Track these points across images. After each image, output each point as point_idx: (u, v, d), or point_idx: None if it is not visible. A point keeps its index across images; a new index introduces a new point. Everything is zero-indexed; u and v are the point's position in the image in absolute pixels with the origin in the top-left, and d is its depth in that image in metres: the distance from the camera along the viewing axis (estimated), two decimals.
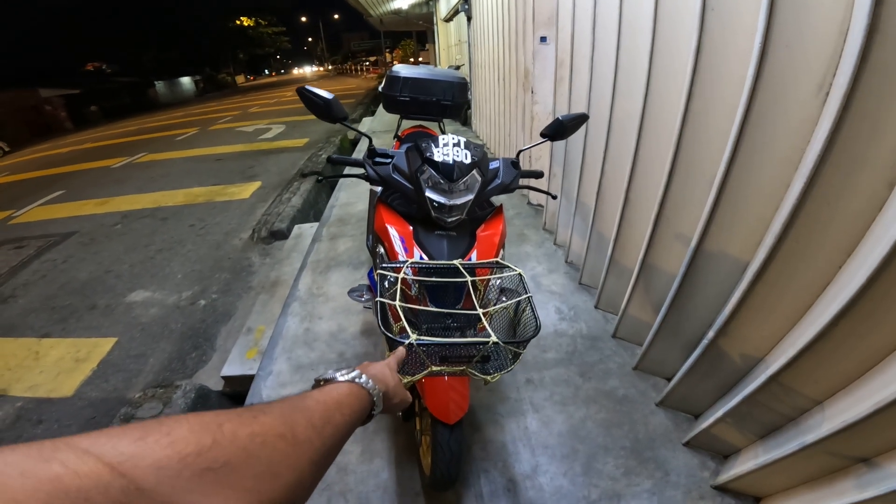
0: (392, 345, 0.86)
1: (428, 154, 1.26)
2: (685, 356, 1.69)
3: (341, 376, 0.55)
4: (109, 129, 16.81)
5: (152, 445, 0.29)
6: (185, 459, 0.29)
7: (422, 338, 0.85)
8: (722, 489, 1.51)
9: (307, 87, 1.33)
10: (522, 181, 1.55)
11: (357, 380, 0.56)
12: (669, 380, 1.83)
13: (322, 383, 0.55)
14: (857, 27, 0.98)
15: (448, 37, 10.59)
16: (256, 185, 5.86)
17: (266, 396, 2.10)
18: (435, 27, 12.47)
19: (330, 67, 60.16)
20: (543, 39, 3.34)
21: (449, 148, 1.27)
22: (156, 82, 31.51)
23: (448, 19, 9.66)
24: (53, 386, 2.56)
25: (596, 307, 2.50)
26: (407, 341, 0.84)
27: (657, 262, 1.92)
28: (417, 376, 0.90)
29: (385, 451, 1.77)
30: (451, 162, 1.24)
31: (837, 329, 1.12)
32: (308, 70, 74.47)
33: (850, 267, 1.14)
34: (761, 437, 1.46)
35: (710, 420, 1.54)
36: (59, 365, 2.74)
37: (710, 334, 1.54)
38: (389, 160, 1.39)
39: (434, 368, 0.89)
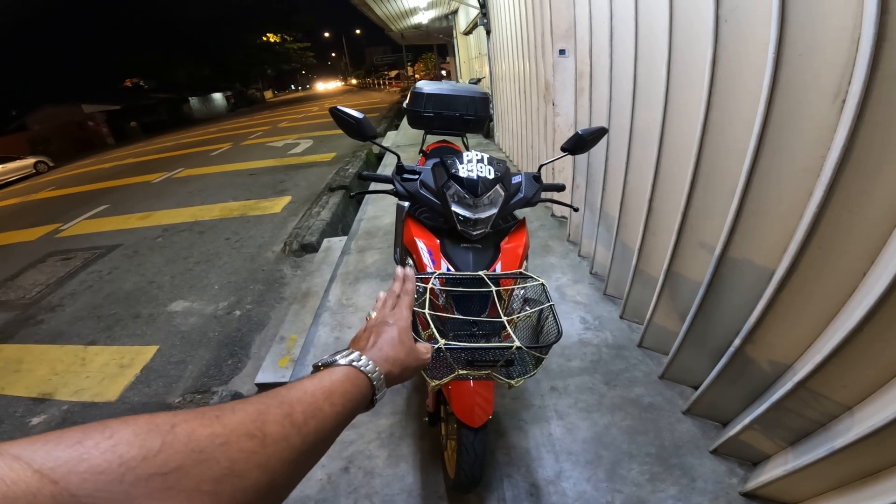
0: None
1: (453, 170, 1.32)
2: (712, 364, 1.69)
3: (341, 359, 0.51)
4: (148, 145, 17.62)
5: (90, 450, 0.27)
6: (128, 464, 0.28)
7: (450, 343, 0.91)
8: (751, 496, 1.50)
9: (339, 107, 1.41)
10: (545, 194, 1.60)
11: (355, 363, 0.51)
12: (696, 388, 1.83)
13: (321, 368, 0.50)
14: (867, 35, 1.01)
15: (468, 50, 10.73)
16: (287, 199, 6.07)
17: None
18: (455, 41, 12.65)
19: (354, 82, 61.44)
20: (562, 52, 3.38)
21: (473, 164, 1.34)
22: (190, 98, 32.83)
23: (467, 33, 9.80)
24: (98, 390, 2.71)
25: (621, 317, 2.51)
26: (436, 346, 0.90)
27: (682, 271, 1.92)
28: (444, 379, 0.96)
29: (411, 456, 1.82)
30: (475, 178, 1.30)
31: (863, 334, 1.12)
32: (332, 85, 76.34)
33: (874, 273, 1.15)
34: (791, 444, 1.45)
35: (739, 427, 1.54)
36: (104, 370, 2.90)
37: (737, 342, 1.54)
38: (417, 177, 1.47)
39: (460, 372, 0.95)
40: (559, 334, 0.97)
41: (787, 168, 1.33)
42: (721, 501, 1.52)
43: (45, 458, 0.26)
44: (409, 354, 0.58)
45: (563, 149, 1.54)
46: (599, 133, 1.52)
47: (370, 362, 0.52)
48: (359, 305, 2.95)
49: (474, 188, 1.30)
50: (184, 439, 0.31)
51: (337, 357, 0.51)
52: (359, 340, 0.59)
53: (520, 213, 1.58)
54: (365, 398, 0.50)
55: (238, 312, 3.39)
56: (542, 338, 1.08)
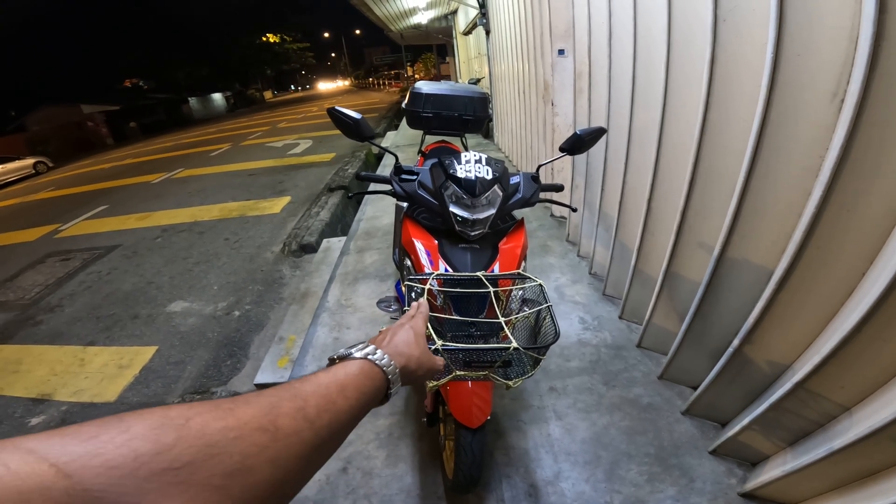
0: None
1: (451, 171, 1.32)
2: (711, 364, 1.68)
3: (357, 352, 0.51)
4: (147, 145, 17.62)
5: (105, 444, 0.27)
6: (142, 458, 0.28)
7: (447, 343, 0.91)
8: (749, 496, 1.50)
9: (337, 107, 1.41)
10: (543, 195, 1.59)
11: (370, 356, 0.51)
12: (695, 388, 1.82)
13: (337, 360, 0.51)
14: (865, 34, 1.01)
15: (468, 50, 10.74)
16: (286, 199, 6.06)
17: None
18: (454, 41, 12.65)
19: (356, 81, 61.35)
20: (561, 52, 3.38)
21: (471, 164, 1.34)
22: (189, 98, 32.82)
23: (467, 33, 9.80)
24: (98, 391, 2.70)
25: (620, 317, 2.50)
26: (433, 347, 0.90)
27: (681, 271, 1.92)
28: (442, 380, 0.96)
29: (409, 457, 1.82)
30: (473, 178, 1.30)
31: (862, 335, 1.12)
32: (332, 85, 76.35)
33: (872, 273, 1.15)
34: (790, 444, 1.45)
35: (738, 427, 1.54)
36: (104, 371, 2.90)
37: (736, 342, 1.54)
38: (415, 177, 1.46)
39: (458, 373, 0.95)
40: (557, 335, 0.97)
41: (785, 168, 1.33)
42: (720, 502, 1.51)
43: (60, 453, 0.26)
44: (423, 354, 0.60)
45: (561, 149, 1.54)
46: (598, 133, 1.51)
47: (385, 356, 0.52)
48: (358, 306, 2.95)
49: (472, 189, 1.30)
50: (197, 433, 0.31)
51: (353, 350, 0.52)
52: (374, 339, 0.60)
53: (518, 213, 1.58)
54: (379, 392, 0.50)
55: (237, 313, 3.39)
56: (539, 338, 1.07)
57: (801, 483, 1.37)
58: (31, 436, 0.27)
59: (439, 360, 0.64)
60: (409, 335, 0.60)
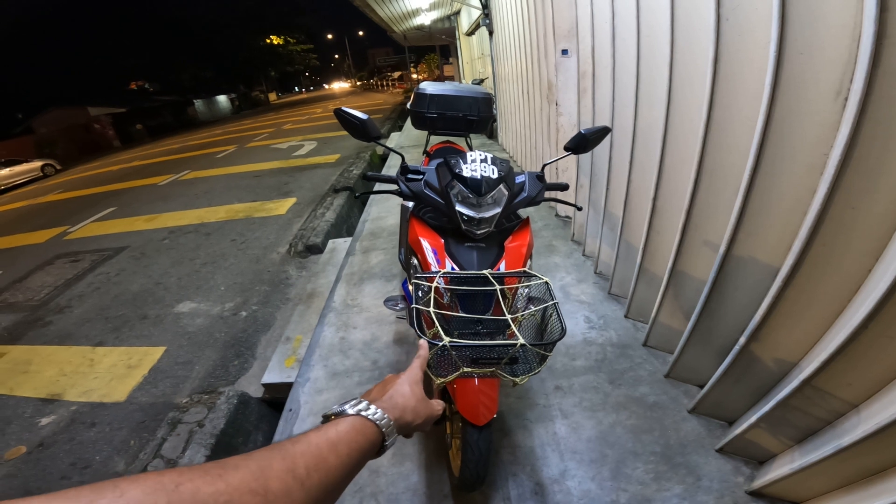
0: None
1: (457, 170, 1.34)
2: (717, 363, 1.68)
3: (350, 408, 0.53)
4: (154, 147, 17.76)
5: None
6: None
7: (454, 340, 0.92)
8: (757, 494, 1.50)
9: (344, 108, 1.43)
10: (548, 194, 1.61)
11: (362, 412, 0.52)
12: (702, 387, 1.82)
13: (332, 418, 0.52)
14: (867, 33, 1.01)
15: (471, 51, 10.74)
16: (292, 200, 6.10)
17: (304, 403, 2.20)
18: (457, 41, 12.65)
19: (358, 84, 61.50)
20: (565, 52, 3.39)
21: (476, 164, 1.35)
22: (194, 100, 33.02)
23: (470, 33, 9.80)
24: (107, 391, 2.73)
25: (626, 316, 2.51)
26: (440, 343, 0.91)
27: (686, 270, 1.92)
28: (450, 377, 0.97)
29: (416, 455, 1.83)
30: (478, 177, 1.31)
31: (868, 331, 1.12)
32: (335, 86, 76.67)
33: (878, 270, 1.15)
34: (797, 442, 1.44)
35: (745, 425, 1.54)
36: (113, 371, 2.93)
37: (742, 340, 1.54)
38: (421, 176, 1.48)
39: (465, 369, 0.96)
40: (563, 332, 0.98)
41: (789, 166, 1.33)
42: (727, 500, 1.51)
43: None
44: (420, 402, 0.62)
45: (566, 148, 1.55)
46: (602, 132, 1.52)
47: (378, 410, 0.54)
48: (364, 306, 2.96)
49: (478, 187, 1.31)
50: (188, 498, 0.33)
51: (346, 406, 0.53)
52: (371, 392, 0.62)
53: (523, 212, 1.59)
54: (373, 446, 0.51)
55: (244, 313, 3.41)
56: (546, 335, 1.08)
57: (809, 481, 1.36)
58: (34, 498, 0.29)
59: (437, 407, 0.66)
60: (404, 385, 0.63)
